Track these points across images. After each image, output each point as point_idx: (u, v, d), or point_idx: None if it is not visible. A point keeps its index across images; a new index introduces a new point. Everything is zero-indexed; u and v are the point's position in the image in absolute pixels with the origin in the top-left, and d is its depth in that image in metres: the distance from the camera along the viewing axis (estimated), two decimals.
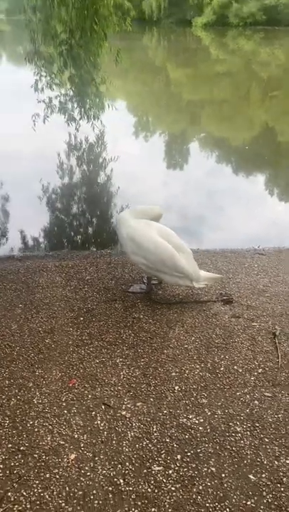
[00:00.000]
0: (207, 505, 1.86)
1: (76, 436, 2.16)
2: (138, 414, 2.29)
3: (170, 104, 12.44)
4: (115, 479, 1.96)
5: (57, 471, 1.99)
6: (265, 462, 2.05)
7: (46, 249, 4.56)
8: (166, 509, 1.84)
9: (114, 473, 1.99)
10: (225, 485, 1.95)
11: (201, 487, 1.94)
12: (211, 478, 1.98)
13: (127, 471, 2.00)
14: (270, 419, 2.27)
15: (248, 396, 2.43)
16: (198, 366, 2.64)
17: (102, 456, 2.06)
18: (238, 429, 2.21)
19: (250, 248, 4.28)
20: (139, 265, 3.26)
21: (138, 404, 2.36)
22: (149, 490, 1.92)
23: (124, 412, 2.30)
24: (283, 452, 2.10)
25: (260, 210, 5.65)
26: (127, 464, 2.03)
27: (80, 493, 1.90)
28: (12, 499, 1.87)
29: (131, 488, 1.92)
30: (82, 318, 3.09)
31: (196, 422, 2.25)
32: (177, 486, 1.94)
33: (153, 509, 1.84)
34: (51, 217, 5.30)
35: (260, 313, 3.18)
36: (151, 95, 13.98)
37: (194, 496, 1.89)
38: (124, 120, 10.14)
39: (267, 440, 2.16)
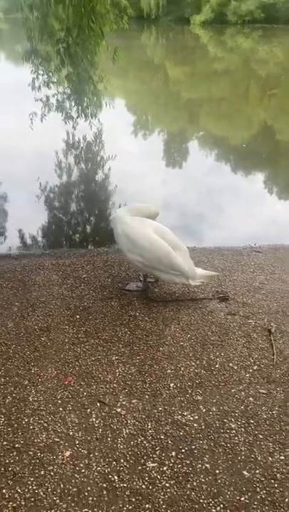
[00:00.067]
0: (201, 501, 1.87)
1: (71, 433, 2.17)
2: (133, 412, 2.30)
3: (168, 103, 12.42)
4: (110, 476, 1.97)
5: (52, 468, 2.00)
6: (259, 458, 2.06)
7: (43, 247, 4.56)
8: (160, 505, 1.85)
9: (109, 470, 2.00)
10: (219, 481, 1.96)
11: (195, 483, 1.94)
12: (205, 474, 1.99)
13: (121, 468, 2.00)
14: (265, 416, 2.28)
15: (242, 393, 2.44)
16: (193, 363, 2.65)
17: (96, 453, 2.07)
18: (233, 426, 2.22)
19: (246, 246, 4.29)
20: (135, 263, 3.27)
21: (133, 401, 2.36)
22: (144, 486, 1.92)
23: (119, 409, 2.31)
24: (277, 448, 2.11)
25: (257, 208, 5.65)
26: (122, 460, 2.04)
27: (75, 489, 1.91)
28: (7, 496, 1.88)
29: (125, 485, 1.93)
30: (78, 316, 3.09)
31: (191, 418, 2.26)
32: (171, 482, 1.95)
33: (147, 505, 1.85)
34: (48, 215, 5.30)
35: (256, 311, 3.18)
36: (150, 93, 13.96)
37: (188, 492, 1.90)
38: (122, 118, 10.13)
39: (261, 436, 2.17)
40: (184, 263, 3.17)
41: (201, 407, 2.34)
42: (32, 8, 6.40)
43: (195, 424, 2.23)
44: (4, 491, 1.90)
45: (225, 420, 2.26)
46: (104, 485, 1.93)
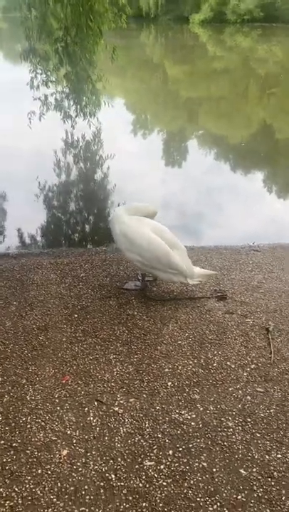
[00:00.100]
0: (198, 499, 1.87)
1: (69, 432, 2.17)
2: (131, 410, 2.30)
3: (167, 102, 12.41)
4: (107, 474, 1.97)
5: (49, 466, 2.00)
6: (256, 457, 2.06)
7: (41, 246, 4.56)
8: (158, 504, 1.85)
9: (106, 468, 2.00)
10: (216, 479, 1.96)
11: (192, 482, 1.95)
12: (202, 473, 1.99)
13: (118, 467, 2.01)
14: (262, 414, 2.29)
15: (240, 391, 2.44)
16: (191, 362, 2.65)
17: (94, 452, 2.07)
18: (230, 425, 2.22)
19: (245, 245, 4.29)
20: (134, 262, 3.27)
21: (131, 400, 2.37)
22: (141, 485, 1.93)
23: (116, 408, 2.31)
24: (274, 447, 2.11)
25: (255, 207, 5.65)
26: (119, 459, 2.04)
27: (72, 488, 1.91)
28: (4, 495, 1.88)
29: (122, 484, 1.93)
30: (76, 315, 3.09)
31: (188, 417, 2.26)
32: (168, 480, 1.95)
33: (144, 504, 1.85)
34: (46, 214, 5.30)
35: (254, 310, 3.19)
36: (149, 92, 13.96)
37: (185, 491, 1.91)
38: (121, 117, 10.12)
39: (258, 435, 2.17)
40: (181, 262, 3.17)
41: (198, 405, 2.34)
42: (30, 6, 6.37)
43: (192, 423, 2.23)
44: (1, 489, 1.90)
45: (222, 419, 2.26)
46: (102, 483, 1.93)
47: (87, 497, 1.87)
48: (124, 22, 6.77)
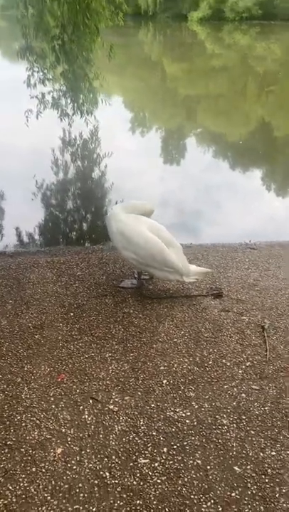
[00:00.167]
0: (192, 497, 1.88)
1: (63, 430, 2.17)
2: (125, 408, 2.30)
3: (165, 99, 12.40)
4: (101, 472, 1.97)
5: (43, 465, 2.00)
6: (250, 454, 2.07)
7: (38, 245, 4.55)
8: (151, 501, 1.86)
9: (101, 466, 2.00)
10: (210, 477, 1.96)
11: (186, 479, 1.95)
12: (197, 470, 1.99)
13: (113, 465, 2.01)
14: (257, 412, 2.29)
15: (235, 389, 2.44)
16: (186, 360, 2.65)
17: (88, 450, 2.07)
18: (225, 422, 2.23)
19: (241, 243, 4.29)
20: (130, 260, 3.27)
21: (126, 398, 2.37)
22: (135, 483, 1.93)
23: (111, 406, 2.31)
24: (269, 444, 2.11)
25: (253, 205, 5.65)
26: (114, 457, 2.04)
27: (66, 486, 1.91)
28: None
29: (116, 481, 1.93)
30: (72, 314, 3.09)
31: (183, 415, 2.26)
32: (163, 478, 1.95)
33: (138, 501, 1.85)
34: (43, 213, 5.29)
35: (250, 307, 3.19)
36: (147, 90, 13.93)
37: (179, 488, 1.91)
38: (119, 115, 10.11)
39: (253, 432, 2.17)
40: (177, 260, 3.17)
41: (193, 403, 2.34)
42: (27, 4, 6.35)
43: (187, 421, 2.23)
44: None
45: (217, 416, 2.26)
46: (96, 481, 1.93)
47: (81, 495, 1.87)
48: (121, 20, 6.75)
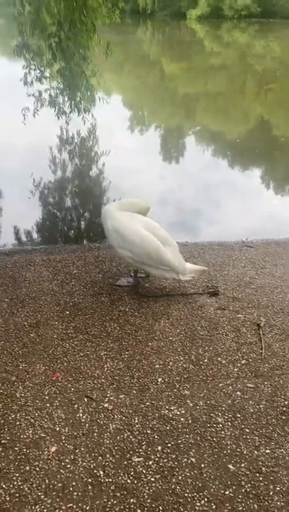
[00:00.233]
0: (186, 495, 1.87)
1: (58, 429, 2.17)
2: (120, 407, 2.29)
3: (164, 98, 12.36)
4: (95, 471, 1.97)
5: (37, 463, 2.00)
6: (244, 452, 2.06)
7: (34, 243, 4.54)
8: (145, 500, 1.85)
9: (95, 465, 2.00)
10: (204, 475, 1.96)
11: (180, 477, 1.95)
12: (191, 468, 1.99)
13: (107, 463, 2.00)
14: (252, 410, 2.28)
15: (230, 387, 2.44)
16: (182, 358, 2.65)
17: (82, 449, 2.07)
18: (220, 420, 2.22)
19: (238, 241, 4.28)
20: (125, 258, 3.26)
21: (121, 396, 2.36)
22: (129, 481, 1.92)
23: (106, 405, 2.31)
24: (263, 442, 2.11)
25: (250, 203, 5.64)
26: (108, 455, 2.04)
27: (60, 485, 1.91)
28: None
29: (110, 480, 1.93)
30: (67, 312, 3.08)
31: (178, 413, 2.26)
32: (157, 476, 1.95)
33: (132, 500, 1.85)
34: (40, 211, 5.28)
35: (246, 305, 3.18)
36: (145, 88, 13.90)
37: (173, 487, 1.90)
38: (117, 113, 10.09)
39: (247, 430, 2.17)
40: (173, 258, 3.16)
41: (188, 401, 2.34)
42: (23, 2, 6.32)
43: (182, 419, 2.23)
44: None
45: (212, 414, 2.26)
46: (90, 480, 1.93)
47: (75, 493, 1.87)
48: (118, 17, 6.72)
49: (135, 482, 1.92)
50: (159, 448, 2.07)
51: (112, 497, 1.86)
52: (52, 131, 7.45)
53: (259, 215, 5.29)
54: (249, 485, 1.92)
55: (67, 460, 2.01)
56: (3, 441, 2.09)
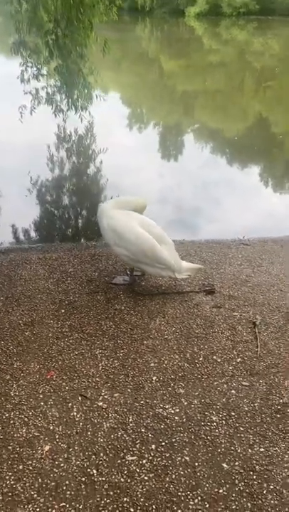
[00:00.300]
0: (179, 493, 1.87)
1: (51, 427, 2.16)
2: (115, 405, 2.29)
3: (162, 95, 12.33)
4: (88, 470, 1.96)
5: (30, 462, 1.99)
6: (238, 451, 2.06)
7: (30, 241, 4.52)
8: (138, 498, 1.85)
9: (88, 463, 1.99)
10: (198, 474, 1.95)
11: (174, 476, 1.94)
12: (185, 467, 1.98)
13: (100, 462, 2.00)
14: (246, 408, 2.28)
15: (225, 385, 2.43)
16: (177, 356, 2.64)
17: (76, 447, 2.06)
18: (214, 419, 2.22)
19: (235, 239, 4.27)
20: (121, 256, 3.25)
21: (115, 395, 2.36)
22: (122, 480, 1.92)
23: (100, 403, 2.30)
24: (257, 440, 2.10)
25: (247, 201, 5.63)
26: (101, 454, 2.03)
27: (53, 484, 1.90)
28: None
29: (104, 479, 1.92)
30: (63, 311, 3.07)
31: (172, 411, 2.25)
32: (150, 475, 1.94)
33: (125, 499, 1.85)
34: (36, 209, 5.26)
35: (242, 303, 3.18)
36: (143, 86, 13.86)
37: (167, 485, 1.90)
38: (114, 111, 10.04)
39: (242, 429, 2.17)
40: (169, 256, 3.15)
41: (182, 400, 2.33)
42: None
43: (176, 417, 2.22)
44: None
45: (206, 413, 2.25)
46: (83, 479, 1.92)
47: (68, 492, 1.86)
48: (116, 14, 6.70)
49: (129, 481, 1.91)
50: (153, 447, 2.07)
51: (105, 496, 1.85)
52: (49, 129, 7.42)
53: (256, 213, 5.28)
54: (243, 483, 1.91)
55: (60, 459, 2.01)
56: None
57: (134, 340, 2.79)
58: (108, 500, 1.84)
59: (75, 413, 2.24)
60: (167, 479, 1.93)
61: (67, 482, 1.91)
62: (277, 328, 2.92)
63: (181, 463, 2.00)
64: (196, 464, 1.99)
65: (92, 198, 5.69)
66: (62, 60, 6.42)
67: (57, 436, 2.11)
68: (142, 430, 2.15)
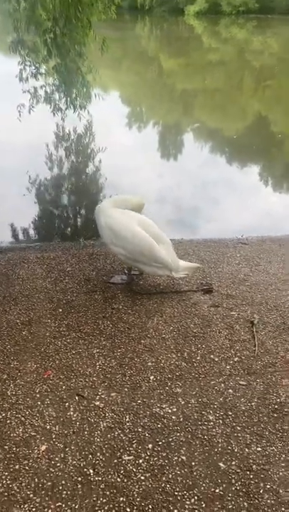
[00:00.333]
0: (176, 493, 1.87)
1: (48, 427, 2.15)
2: (112, 405, 2.28)
3: (162, 94, 12.31)
4: (85, 469, 1.96)
5: (27, 462, 1.98)
6: (235, 450, 2.05)
7: (28, 240, 4.51)
8: (135, 498, 1.84)
9: (85, 463, 1.98)
10: (194, 473, 1.95)
11: (170, 476, 1.94)
12: (181, 466, 1.98)
13: (97, 461, 1.99)
14: (243, 408, 2.27)
15: (222, 385, 2.42)
16: (174, 356, 2.64)
17: (73, 447, 2.06)
18: (211, 418, 2.21)
19: (233, 238, 4.27)
20: (118, 255, 3.24)
21: (112, 394, 2.35)
22: (119, 479, 1.91)
23: (97, 403, 2.29)
24: (254, 440, 2.10)
25: (245, 200, 5.62)
26: (98, 454, 2.03)
27: (49, 483, 1.90)
28: None
29: (100, 478, 1.92)
30: (60, 310, 3.07)
31: (169, 411, 2.25)
32: (147, 475, 1.94)
33: (121, 498, 1.84)
34: (34, 208, 5.25)
35: (240, 302, 3.17)
36: (143, 85, 13.84)
37: (163, 485, 1.89)
38: (113, 110, 10.04)
39: (239, 428, 2.16)
40: (166, 255, 3.14)
41: (180, 399, 2.32)
42: None
43: (173, 417, 2.22)
44: None
45: (203, 412, 2.25)
46: (79, 478, 1.92)
47: (64, 492, 1.86)
48: (114, 13, 6.68)
49: (125, 481, 1.91)
50: (150, 446, 2.06)
51: (102, 496, 1.85)
52: (47, 128, 7.40)
53: (255, 212, 5.27)
54: (239, 483, 1.91)
55: (57, 459, 2.00)
56: None
57: (131, 339, 2.78)
58: (104, 500, 1.83)
59: (71, 413, 2.23)
60: (164, 479, 1.92)
61: (63, 482, 1.90)
62: (275, 327, 2.92)
63: (177, 462, 1.99)
64: (193, 463, 1.99)
65: (90, 197, 5.69)
66: (61, 58, 6.41)
67: (53, 436, 2.11)
68: (139, 430, 2.14)
